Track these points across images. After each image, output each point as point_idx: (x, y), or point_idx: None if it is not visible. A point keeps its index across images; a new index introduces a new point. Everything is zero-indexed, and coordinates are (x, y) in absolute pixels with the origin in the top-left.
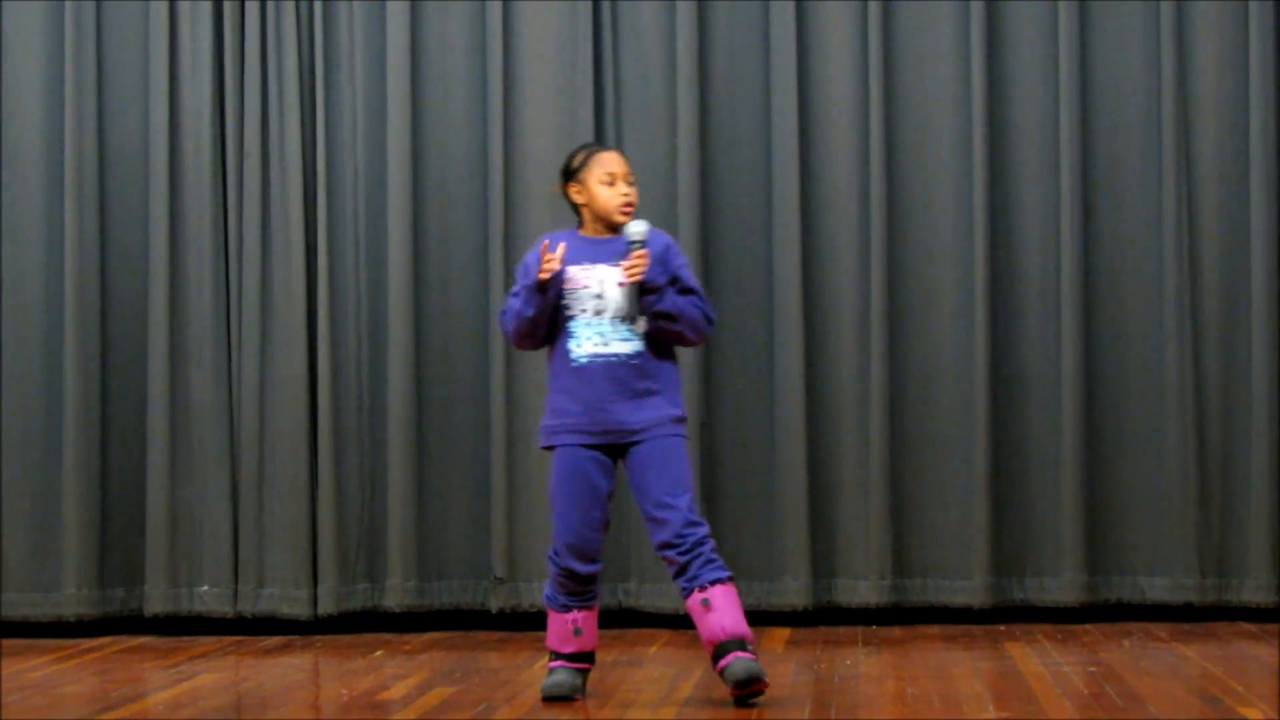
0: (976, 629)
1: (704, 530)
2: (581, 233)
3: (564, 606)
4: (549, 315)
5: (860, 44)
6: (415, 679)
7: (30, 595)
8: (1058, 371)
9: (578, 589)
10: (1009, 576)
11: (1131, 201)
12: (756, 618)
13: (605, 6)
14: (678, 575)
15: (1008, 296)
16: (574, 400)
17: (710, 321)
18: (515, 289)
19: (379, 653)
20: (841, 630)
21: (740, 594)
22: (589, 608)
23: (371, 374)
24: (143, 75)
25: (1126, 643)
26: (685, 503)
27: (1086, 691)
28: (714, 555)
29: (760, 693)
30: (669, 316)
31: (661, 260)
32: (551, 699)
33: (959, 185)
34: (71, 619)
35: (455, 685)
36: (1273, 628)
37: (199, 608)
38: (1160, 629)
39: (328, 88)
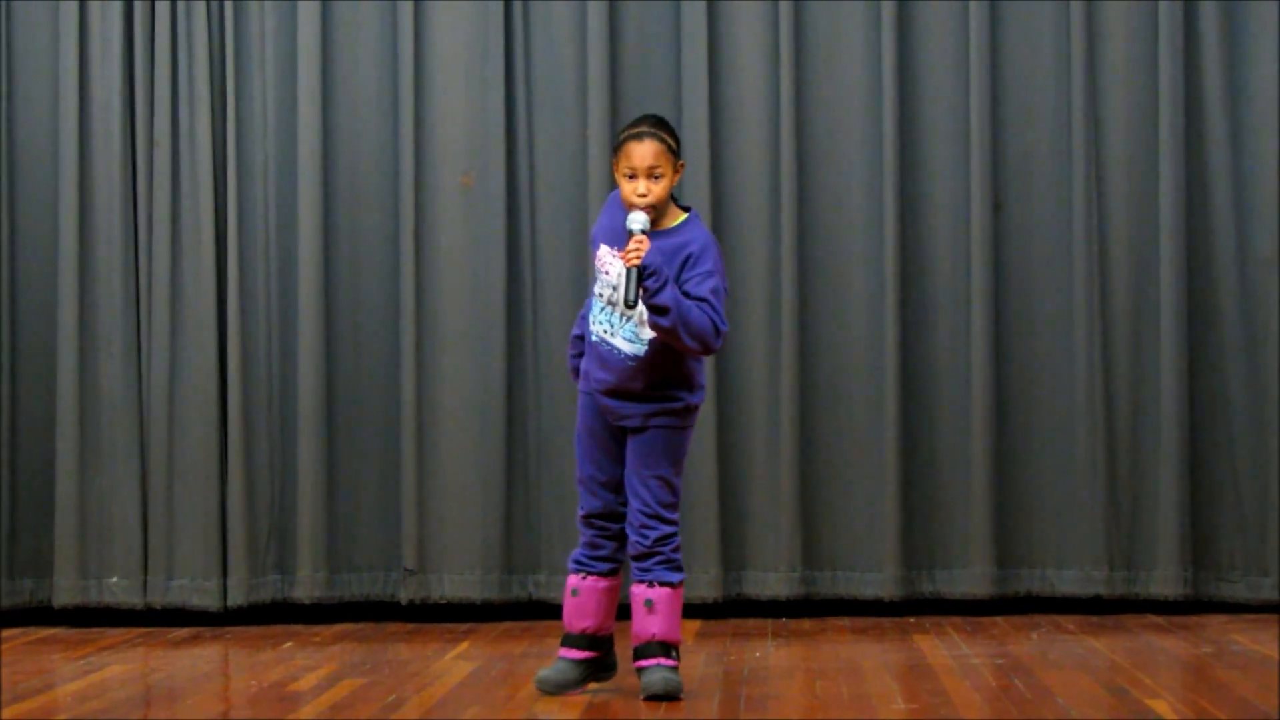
0: (886, 621)
1: (667, 529)
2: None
3: (575, 564)
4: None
5: (771, 36)
6: (325, 670)
7: None
8: (967, 364)
9: (590, 542)
10: (918, 569)
11: (1041, 195)
12: None
13: None
14: (634, 558)
15: (918, 290)
16: (589, 368)
17: (719, 333)
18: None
19: (289, 644)
20: (751, 623)
21: None
22: (601, 575)
23: (282, 364)
24: (52, 63)
25: (1035, 635)
26: (650, 496)
27: (995, 683)
28: (674, 554)
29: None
30: (663, 310)
31: (675, 259)
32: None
33: (869, 179)
34: None
35: (365, 677)
36: (1180, 620)
37: (108, 599)
38: (1069, 621)
39: (238, 77)
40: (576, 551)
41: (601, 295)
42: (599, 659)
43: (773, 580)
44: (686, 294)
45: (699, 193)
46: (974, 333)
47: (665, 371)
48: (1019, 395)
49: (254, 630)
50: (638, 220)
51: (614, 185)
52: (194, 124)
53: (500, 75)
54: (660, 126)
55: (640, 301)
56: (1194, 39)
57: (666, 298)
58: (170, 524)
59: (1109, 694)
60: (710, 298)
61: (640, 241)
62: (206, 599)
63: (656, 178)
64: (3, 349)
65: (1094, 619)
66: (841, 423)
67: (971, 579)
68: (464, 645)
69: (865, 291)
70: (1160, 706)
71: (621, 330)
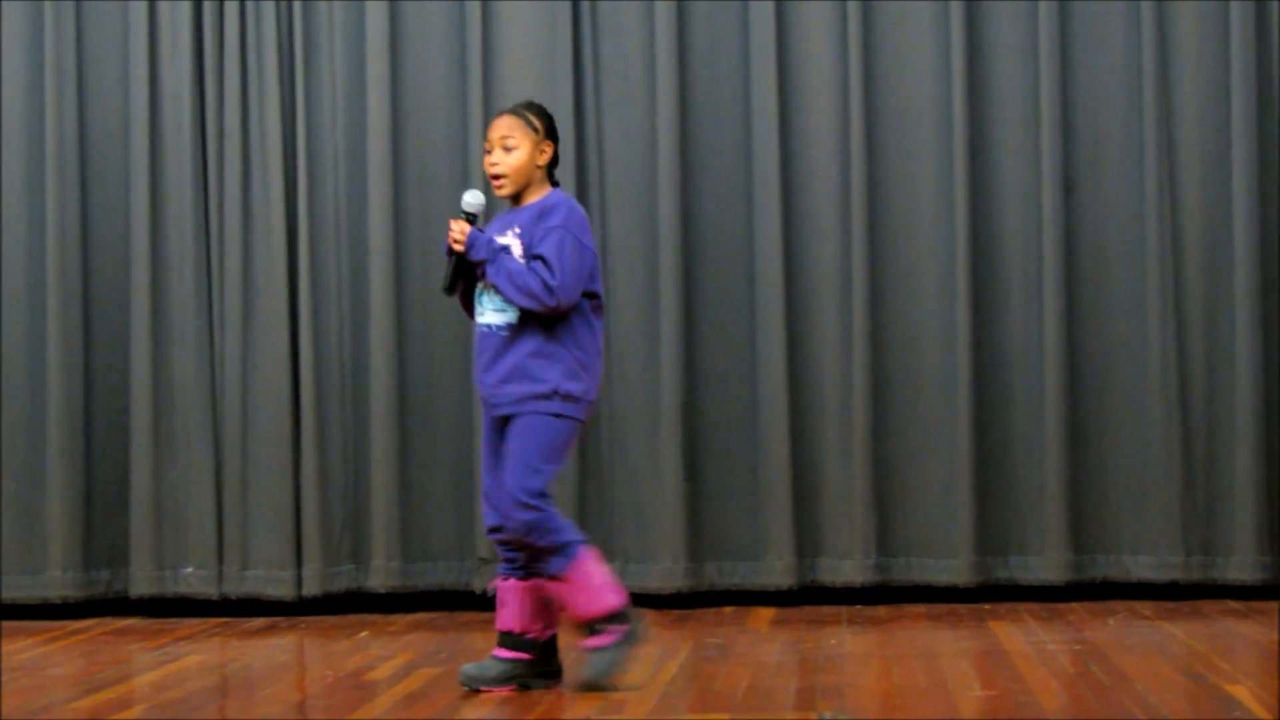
0: (961, 608)
1: (532, 515)
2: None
3: (498, 571)
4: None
5: (839, 23)
6: (400, 660)
7: (16, 578)
8: (1040, 349)
9: (504, 556)
10: (994, 555)
11: (1113, 177)
12: (741, 597)
13: None
14: (515, 558)
15: (990, 274)
16: (476, 365)
17: (550, 290)
18: None
19: (364, 634)
20: (826, 610)
21: (725, 574)
22: (508, 577)
23: (354, 354)
24: (122, 58)
25: (1112, 621)
26: (512, 480)
27: (1073, 670)
28: (548, 542)
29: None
30: (496, 286)
31: (536, 219)
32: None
33: (939, 163)
34: (57, 601)
35: (440, 666)
36: (1258, 605)
37: (184, 589)
38: (1145, 607)
39: (307, 68)
40: None
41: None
42: (531, 662)
43: (847, 567)
44: (536, 255)
45: (769, 182)
46: (1047, 316)
47: (540, 346)
48: (1093, 379)
49: (329, 620)
50: (469, 197)
51: (683, 178)
52: (264, 116)
53: (568, 65)
54: (525, 105)
55: (455, 289)
56: (1265, 23)
57: (492, 275)
58: (244, 514)
59: (1188, 680)
60: (546, 254)
61: (461, 229)
62: (281, 589)
63: (509, 149)
64: (77, 342)
65: (1170, 605)
66: (914, 408)
67: (1047, 565)
68: None
69: (937, 277)
70: (1239, 692)
71: (492, 305)
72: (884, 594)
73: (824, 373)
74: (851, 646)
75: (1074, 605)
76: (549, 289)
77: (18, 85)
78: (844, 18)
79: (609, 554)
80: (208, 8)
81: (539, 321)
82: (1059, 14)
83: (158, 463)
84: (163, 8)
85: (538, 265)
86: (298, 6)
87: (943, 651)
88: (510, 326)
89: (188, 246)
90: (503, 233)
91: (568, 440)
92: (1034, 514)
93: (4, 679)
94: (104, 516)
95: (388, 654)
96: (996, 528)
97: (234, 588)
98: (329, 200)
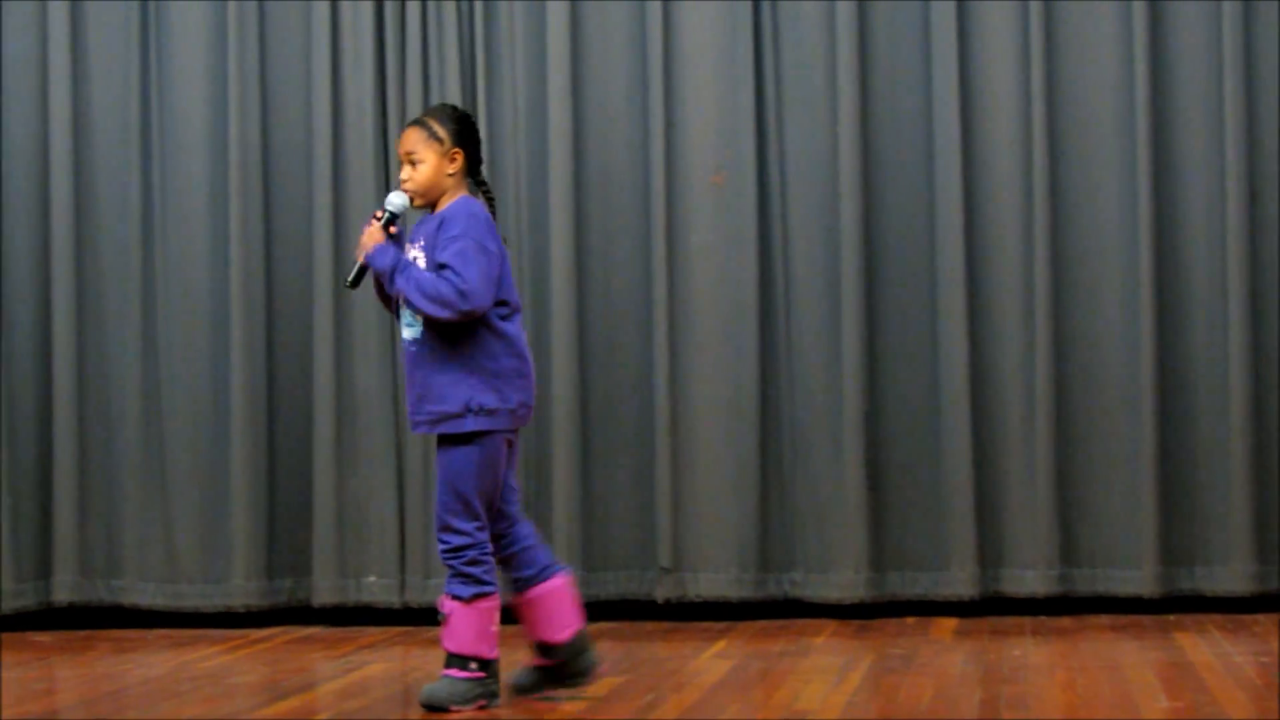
0: (1146, 619)
1: (457, 540)
2: None
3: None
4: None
5: (1021, 30)
6: None
7: (200, 586)
8: (1225, 358)
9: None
10: (1178, 566)
11: None
12: (923, 608)
13: None
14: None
15: (1173, 283)
16: None
17: (463, 295)
18: None
19: None
20: (1009, 620)
21: (907, 584)
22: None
23: (535, 363)
24: (305, 67)
25: None
26: (439, 506)
27: (1260, 682)
28: (467, 568)
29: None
30: (405, 298)
31: (435, 231)
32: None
33: (1123, 173)
34: (240, 610)
35: (622, 675)
36: None
37: (366, 598)
38: None
39: (489, 78)
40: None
41: None
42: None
43: (1030, 578)
44: (441, 264)
45: (950, 189)
46: (1231, 326)
47: (445, 363)
48: (1278, 389)
49: (511, 629)
50: (393, 197)
51: (864, 184)
52: None
53: (750, 73)
54: (432, 114)
55: (358, 284)
56: None
57: (399, 285)
58: (426, 523)
59: None
60: (450, 261)
61: (371, 235)
62: None
63: (415, 163)
64: (260, 352)
65: None
66: (1098, 417)
67: (1232, 576)
68: (721, 644)
69: (1120, 285)
70: None
71: (404, 319)
72: (1067, 605)
73: (1006, 382)
74: (1035, 657)
75: (1259, 617)
76: (462, 293)
77: (201, 97)
78: (1025, 28)
79: (792, 563)
80: (389, 15)
81: (441, 337)
82: (1242, 20)
83: (340, 472)
84: (345, 19)
85: (446, 273)
86: (479, 14)
87: (1127, 663)
88: (418, 341)
89: None
90: (412, 245)
91: (489, 459)
92: (1219, 524)
93: (188, 687)
94: (287, 526)
95: None
96: (1181, 538)
97: (416, 596)
98: (510, 210)
